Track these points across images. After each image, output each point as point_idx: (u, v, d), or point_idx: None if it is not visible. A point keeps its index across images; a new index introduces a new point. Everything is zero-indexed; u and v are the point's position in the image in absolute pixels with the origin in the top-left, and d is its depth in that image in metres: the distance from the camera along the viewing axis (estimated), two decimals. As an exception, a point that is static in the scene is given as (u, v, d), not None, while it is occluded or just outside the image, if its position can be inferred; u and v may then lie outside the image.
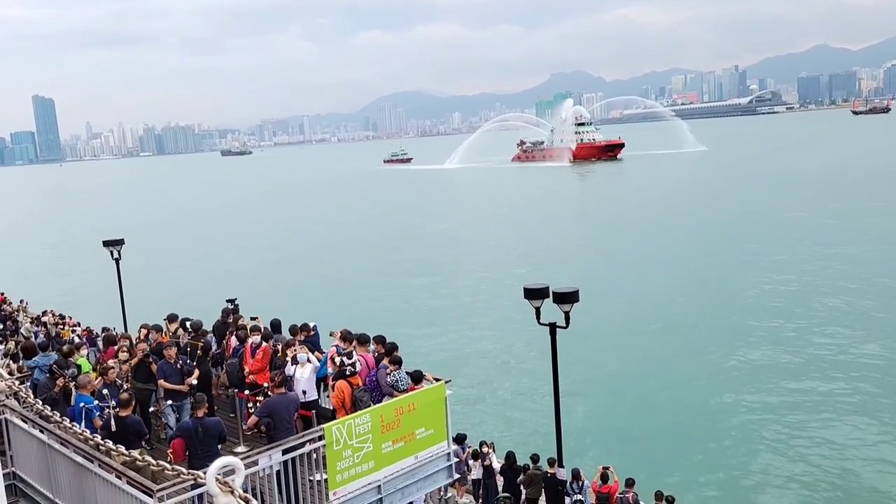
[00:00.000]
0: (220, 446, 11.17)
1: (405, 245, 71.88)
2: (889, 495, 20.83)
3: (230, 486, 3.49)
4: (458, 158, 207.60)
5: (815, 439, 24.41)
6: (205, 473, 3.58)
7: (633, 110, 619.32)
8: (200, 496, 9.70)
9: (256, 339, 14.77)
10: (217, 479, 3.50)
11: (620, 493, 16.97)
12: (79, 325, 34.23)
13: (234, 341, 15.80)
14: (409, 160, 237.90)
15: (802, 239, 58.72)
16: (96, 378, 13.09)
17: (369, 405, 11.77)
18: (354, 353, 12.46)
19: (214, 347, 16.37)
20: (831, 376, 29.65)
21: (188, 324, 16.73)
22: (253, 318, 17.44)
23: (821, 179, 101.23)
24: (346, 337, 13.94)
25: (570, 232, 72.68)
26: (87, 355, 16.57)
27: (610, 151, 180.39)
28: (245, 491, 3.83)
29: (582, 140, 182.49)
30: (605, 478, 17.11)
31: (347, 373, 12.16)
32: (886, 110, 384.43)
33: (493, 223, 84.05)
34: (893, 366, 30.40)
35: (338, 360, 12.90)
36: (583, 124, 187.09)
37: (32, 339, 24.77)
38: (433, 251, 67.05)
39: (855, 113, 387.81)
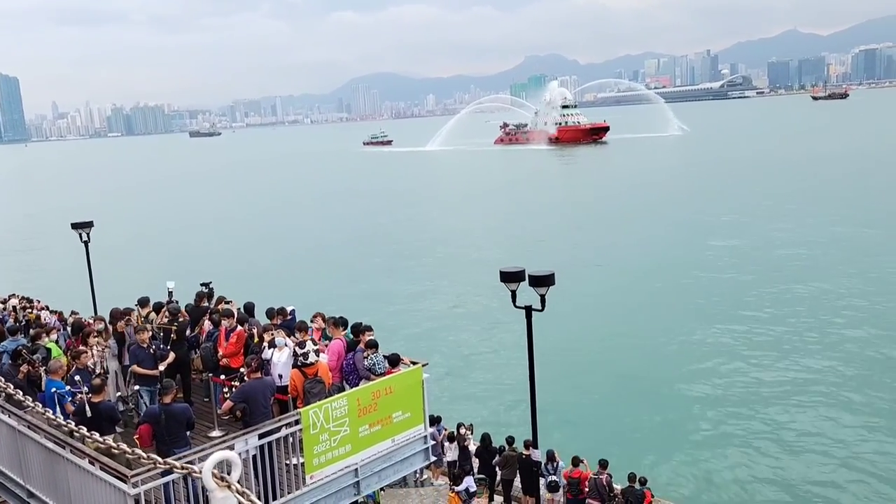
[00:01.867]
0: (188, 432, 11.07)
1: (385, 228, 71.64)
2: (856, 474, 21.33)
3: (227, 481, 3.44)
4: (439, 141, 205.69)
5: (788, 422, 24.87)
6: (198, 466, 3.51)
7: (608, 94, 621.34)
8: (174, 481, 9.64)
9: (231, 322, 14.63)
10: (213, 474, 3.44)
11: (594, 474, 17.17)
12: (47, 308, 33.63)
13: (208, 325, 15.64)
14: (389, 142, 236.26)
15: (783, 223, 59.26)
16: (68, 363, 12.87)
17: (321, 398, 11.68)
18: (308, 343, 12.36)
19: (188, 331, 16.18)
20: (805, 360, 30.17)
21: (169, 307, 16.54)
22: (227, 302, 17.25)
23: (800, 164, 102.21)
24: (300, 327, 13.80)
25: (551, 216, 72.66)
26: (57, 339, 16.27)
27: (595, 134, 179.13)
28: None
29: (567, 123, 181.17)
30: (575, 462, 17.28)
31: (299, 363, 12.09)
32: (844, 96, 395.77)
33: (474, 206, 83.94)
34: (868, 347, 31.06)
35: (289, 349, 12.89)
36: (567, 107, 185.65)
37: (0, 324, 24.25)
38: (413, 234, 66.93)
39: (815, 98, 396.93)
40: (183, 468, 3.93)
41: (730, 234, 56.22)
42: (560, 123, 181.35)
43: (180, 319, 15.46)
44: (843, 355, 30.27)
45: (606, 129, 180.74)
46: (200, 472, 3.49)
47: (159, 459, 4.15)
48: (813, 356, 30.41)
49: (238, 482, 3.51)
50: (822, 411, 25.38)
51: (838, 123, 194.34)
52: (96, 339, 14.52)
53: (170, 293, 18.59)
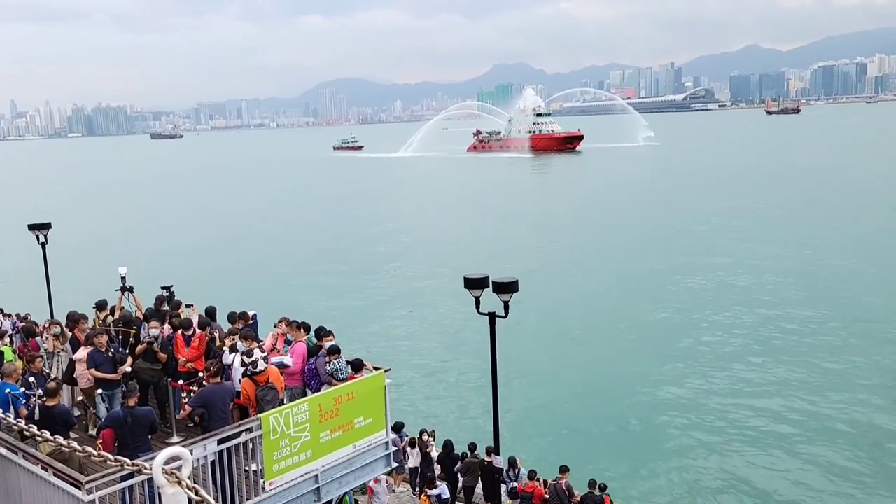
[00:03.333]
0: (150, 437, 10.92)
1: (351, 233, 71.28)
2: (824, 478, 21.79)
3: (177, 477, 3.43)
4: (412, 147, 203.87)
5: (754, 428, 25.18)
6: (148, 463, 3.50)
7: (573, 103, 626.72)
8: (131, 488, 9.48)
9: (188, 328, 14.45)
10: (163, 470, 3.43)
11: (554, 480, 17.28)
12: (1, 311, 32.81)
13: (167, 329, 15.42)
14: (360, 147, 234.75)
15: (750, 234, 59.92)
16: (22, 367, 12.60)
17: (276, 405, 11.61)
18: (256, 351, 12.29)
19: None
20: (775, 366, 30.59)
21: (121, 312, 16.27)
22: (188, 306, 17.03)
23: (766, 175, 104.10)
24: (247, 335, 13.59)
25: (524, 224, 72.72)
26: (12, 343, 15.89)
27: (569, 143, 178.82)
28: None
29: (541, 131, 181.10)
30: (531, 475, 17.35)
31: (248, 372, 12.01)
32: (797, 111, 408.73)
33: (444, 213, 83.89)
34: (837, 353, 31.73)
35: (238, 358, 12.77)
36: (541, 115, 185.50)
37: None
38: (379, 239, 66.67)
39: (768, 113, 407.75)
40: (133, 465, 3.90)
41: (704, 243, 56.82)
42: (533, 131, 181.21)
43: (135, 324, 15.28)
44: (816, 360, 30.83)
45: (580, 137, 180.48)
46: (150, 468, 3.47)
47: (110, 457, 4.11)
48: (783, 362, 30.90)
49: (189, 478, 3.50)
50: (785, 416, 25.85)
51: (793, 137, 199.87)
52: (55, 341, 14.26)
53: (123, 279, 18.17)
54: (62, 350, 14.41)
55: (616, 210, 78.12)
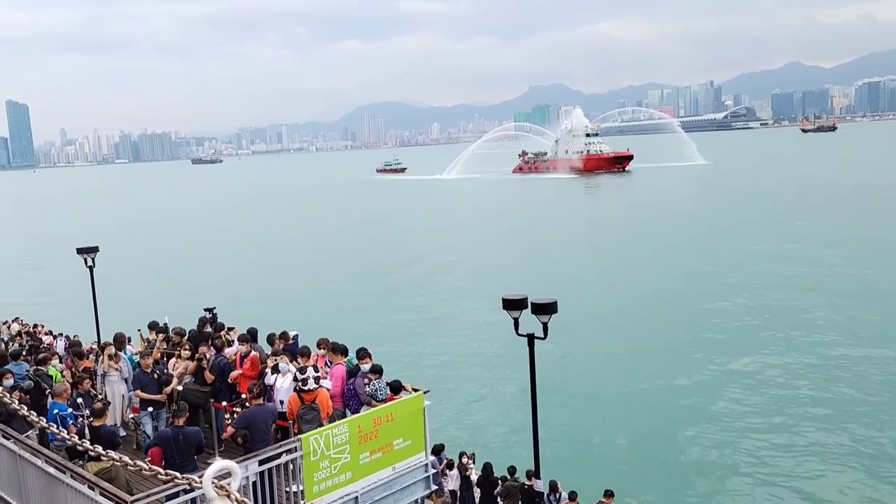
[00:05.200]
0: (196, 457, 11.05)
1: (394, 255, 71.43)
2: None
3: (227, 490, 3.46)
4: (457, 169, 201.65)
5: (800, 459, 24.45)
6: (200, 477, 3.55)
7: (610, 123, 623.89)
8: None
9: (244, 348, 14.62)
10: (213, 483, 3.47)
11: (598, 504, 16.99)
12: (50, 333, 33.69)
13: (210, 351, 15.65)
14: (403, 170, 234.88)
15: (796, 256, 57.68)
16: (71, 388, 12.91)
17: (315, 426, 11.65)
18: (309, 369, 12.38)
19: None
20: (821, 392, 29.73)
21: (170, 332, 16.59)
22: (230, 329, 17.28)
23: (832, 194, 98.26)
24: (303, 352, 13.82)
25: (567, 245, 71.58)
26: (62, 363, 16.30)
27: (618, 163, 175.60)
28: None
29: (589, 151, 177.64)
30: (572, 497, 17.08)
31: (297, 388, 12.11)
32: (833, 129, 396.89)
33: (490, 235, 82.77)
34: (870, 384, 30.75)
35: (280, 379, 12.93)
36: (590, 135, 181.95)
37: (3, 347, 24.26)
38: (421, 261, 66.67)
39: (804, 131, 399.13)
40: (185, 478, 3.95)
41: (761, 265, 54.74)
42: (582, 152, 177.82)
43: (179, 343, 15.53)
44: (869, 390, 29.79)
45: (630, 157, 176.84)
46: (201, 480, 3.52)
47: (161, 471, 4.18)
48: (830, 388, 29.98)
49: (239, 492, 3.54)
50: (831, 451, 25.06)
51: (838, 155, 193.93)
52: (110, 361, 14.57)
53: (165, 326, 18.65)
54: (115, 369, 14.70)
55: (672, 232, 75.71)
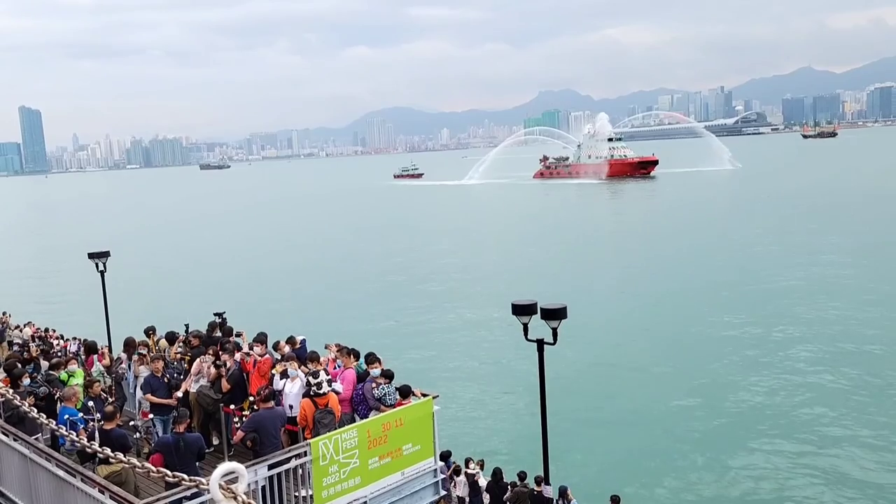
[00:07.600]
0: (197, 463, 11.07)
1: (404, 260, 71.36)
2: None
3: (233, 492, 3.47)
4: (478, 174, 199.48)
5: (819, 456, 24.33)
6: (207, 480, 3.55)
7: (622, 129, 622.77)
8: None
9: (259, 350, 14.66)
10: (220, 485, 3.47)
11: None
12: (62, 337, 33.91)
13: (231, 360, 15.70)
14: (420, 175, 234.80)
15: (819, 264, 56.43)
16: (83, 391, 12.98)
17: (331, 429, 11.64)
18: (322, 373, 12.37)
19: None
20: (836, 398, 29.47)
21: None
22: (237, 335, 17.33)
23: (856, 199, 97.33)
24: (313, 357, 13.86)
25: (585, 252, 70.90)
26: (79, 363, 16.43)
27: (643, 168, 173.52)
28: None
29: (613, 156, 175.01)
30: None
31: (311, 392, 12.08)
32: (833, 135, 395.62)
33: (507, 241, 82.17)
34: (875, 387, 30.51)
35: (301, 380, 12.88)
36: (612, 139, 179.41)
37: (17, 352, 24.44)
38: (434, 267, 66.38)
39: (805, 136, 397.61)
40: (192, 480, 3.95)
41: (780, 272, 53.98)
42: (606, 157, 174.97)
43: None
44: (865, 400, 29.58)
45: (655, 162, 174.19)
46: (207, 484, 3.52)
47: (168, 473, 4.19)
48: (849, 395, 29.65)
49: (246, 494, 3.54)
50: (844, 458, 24.83)
51: (842, 160, 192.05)
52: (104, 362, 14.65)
53: (186, 326, 18.79)
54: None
55: (676, 236, 75.39)
